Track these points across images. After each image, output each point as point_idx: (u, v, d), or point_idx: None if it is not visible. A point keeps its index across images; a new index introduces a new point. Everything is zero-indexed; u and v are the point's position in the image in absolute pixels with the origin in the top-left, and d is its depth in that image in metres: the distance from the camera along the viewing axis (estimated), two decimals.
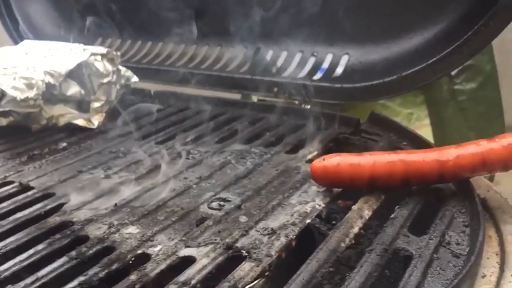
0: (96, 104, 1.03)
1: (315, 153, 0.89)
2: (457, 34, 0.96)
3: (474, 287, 0.56)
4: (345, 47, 1.16)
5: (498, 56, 2.57)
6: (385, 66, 1.08)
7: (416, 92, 1.95)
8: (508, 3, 0.89)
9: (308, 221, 0.67)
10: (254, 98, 1.28)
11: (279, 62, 1.21)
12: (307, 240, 0.69)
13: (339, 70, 1.13)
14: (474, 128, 2.18)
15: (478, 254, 0.58)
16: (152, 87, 1.25)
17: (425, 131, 1.99)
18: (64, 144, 0.95)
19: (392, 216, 0.67)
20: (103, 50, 1.06)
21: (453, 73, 2.15)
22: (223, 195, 0.74)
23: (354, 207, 0.69)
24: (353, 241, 0.62)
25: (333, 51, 1.18)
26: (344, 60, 1.16)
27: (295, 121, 1.03)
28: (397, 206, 0.69)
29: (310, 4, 1.12)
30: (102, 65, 1.03)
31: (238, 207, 0.70)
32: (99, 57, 1.03)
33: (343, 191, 0.76)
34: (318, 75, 1.14)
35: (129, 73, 1.14)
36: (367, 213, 0.68)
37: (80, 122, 1.02)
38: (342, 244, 0.61)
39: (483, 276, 0.58)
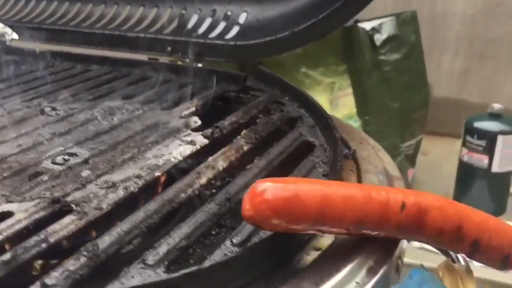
0: None
1: (193, 109, 0.83)
2: None
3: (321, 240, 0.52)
4: (244, 5, 1.11)
5: (427, 30, 2.61)
6: (281, 23, 1.04)
7: (339, 61, 1.94)
8: None
9: (157, 174, 0.62)
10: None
11: (176, 21, 1.15)
12: None
13: (235, 28, 1.09)
14: (398, 99, 2.21)
15: None
16: (39, 47, 1.15)
17: (348, 101, 1.99)
18: None
19: (248, 166, 0.63)
20: None
21: (377, 43, 2.16)
22: (73, 150, 0.68)
23: (210, 158, 0.64)
24: (197, 192, 0.58)
25: (231, 8, 1.12)
26: (242, 17, 1.11)
27: (184, 80, 0.98)
28: (257, 157, 0.65)
29: None
30: None
31: (85, 162, 0.64)
32: None
33: (212, 146, 0.72)
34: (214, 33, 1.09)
35: (7, 29, 1.04)
36: (221, 164, 0.63)
37: None
38: (182, 195, 0.56)
39: None
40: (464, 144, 2.13)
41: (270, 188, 0.45)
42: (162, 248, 0.47)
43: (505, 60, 2.76)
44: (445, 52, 2.80)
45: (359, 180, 0.65)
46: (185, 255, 0.56)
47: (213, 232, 0.61)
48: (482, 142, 2.06)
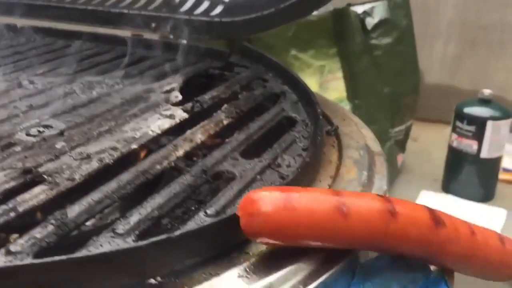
0: None
1: (175, 84, 0.82)
2: None
3: None
4: None
5: (419, 14, 2.59)
6: (267, 0, 1.02)
7: (330, 44, 1.91)
8: None
9: (134, 146, 0.60)
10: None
11: None
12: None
13: (220, 7, 1.07)
14: (389, 84, 2.19)
15: (302, 174, 0.54)
16: (20, 22, 1.13)
17: (338, 84, 1.98)
18: None
19: (227, 140, 0.62)
20: None
21: (369, 27, 2.14)
22: (49, 122, 0.66)
23: (188, 131, 0.63)
24: (173, 164, 0.57)
25: None
26: None
27: (167, 56, 0.96)
28: (237, 131, 0.64)
29: None
30: None
31: (60, 134, 0.63)
32: None
33: (192, 120, 0.70)
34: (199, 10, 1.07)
35: None
36: (199, 137, 0.62)
37: None
38: (158, 166, 0.55)
39: None
40: (453, 129, 2.13)
41: (265, 200, 0.40)
42: (134, 218, 0.46)
43: (497, 47, 2.75)
44: (437, 38, 2.78)
45: (340, 155, 0.64)
46: (162, 229, 0.55)
47: (192, 208, 0.61)
48: (472, 128, 2.06)
